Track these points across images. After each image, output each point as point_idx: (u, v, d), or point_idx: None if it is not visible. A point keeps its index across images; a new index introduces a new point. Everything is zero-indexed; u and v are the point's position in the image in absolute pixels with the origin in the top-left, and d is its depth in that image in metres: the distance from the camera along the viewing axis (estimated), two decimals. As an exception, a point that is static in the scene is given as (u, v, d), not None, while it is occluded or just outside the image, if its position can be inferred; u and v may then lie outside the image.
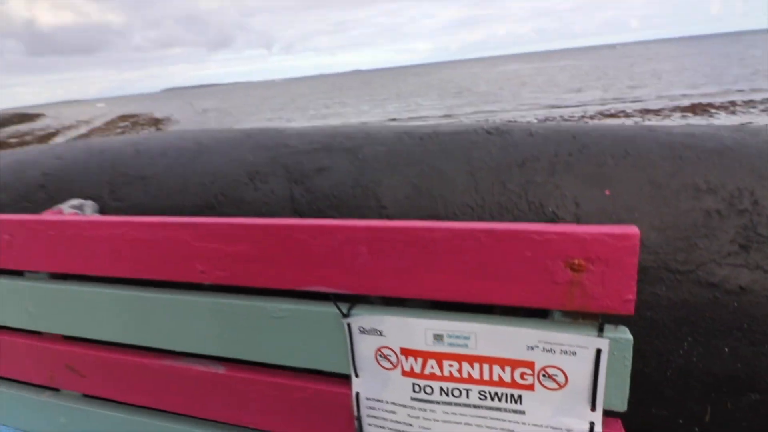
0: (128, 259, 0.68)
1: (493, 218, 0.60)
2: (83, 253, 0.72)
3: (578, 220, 0.57)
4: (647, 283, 0.54)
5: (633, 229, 0.44)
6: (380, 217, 0.63)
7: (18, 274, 0.82)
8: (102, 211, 0.81)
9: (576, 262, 0.46)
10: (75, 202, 0.79)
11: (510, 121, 0.74)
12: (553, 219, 0.57)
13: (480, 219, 0.60)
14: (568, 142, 0.62)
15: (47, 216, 0.77)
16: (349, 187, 0.66)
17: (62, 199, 0.84)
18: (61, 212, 0.79)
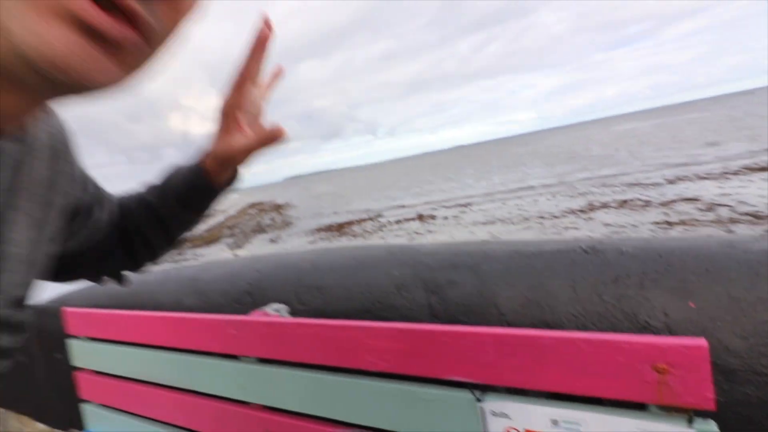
0: (316, 350, 0.98)
1: (593, 325, 0.77)
2: (283, 344, 1.04)
3: (668, 328, 0.71)
4: (737, 383, 0.65)
5: (702, 341, 0.59)
6: (500, 322, 0.84)
7: (235, 357, 1.18)
8: (292, 312, 1.15)
9: (660, 366, 0.62)
10: (275, 305, 1.15)
11: (603, 239, 0.92)
12: (646, 326, 0.72)
13: (582, 326, 0.77)
14: (654, 260, 0.78)
15: (259, 317, 1.13)
16: (475, 297, 0.89)
17: (264, 303, 1.21)
18: (266, 313, 1.14)
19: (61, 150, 0.41)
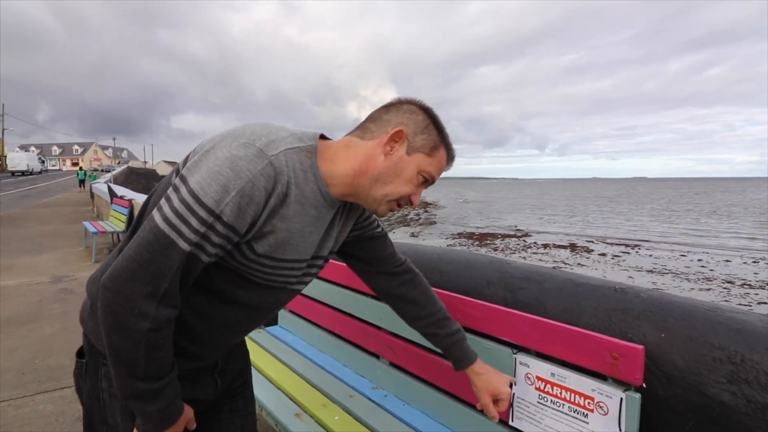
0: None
1: (599, 332, 1.28)
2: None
3: (643, 343, 1.19)
4: (661, 377, 1.12)
5: (641, 347, 1.10)
6: (544, 316, 1.40)
7: (376, 299, 1.94)
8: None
9: (614, 354, 1.14)
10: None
11: (634, 286, 1.38)
12: (630, 340, 1.21)
13: (591, 329, 1.29)
14: (656, 305, 1.24)
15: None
16: (533, 300, 1.46)
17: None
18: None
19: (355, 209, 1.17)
